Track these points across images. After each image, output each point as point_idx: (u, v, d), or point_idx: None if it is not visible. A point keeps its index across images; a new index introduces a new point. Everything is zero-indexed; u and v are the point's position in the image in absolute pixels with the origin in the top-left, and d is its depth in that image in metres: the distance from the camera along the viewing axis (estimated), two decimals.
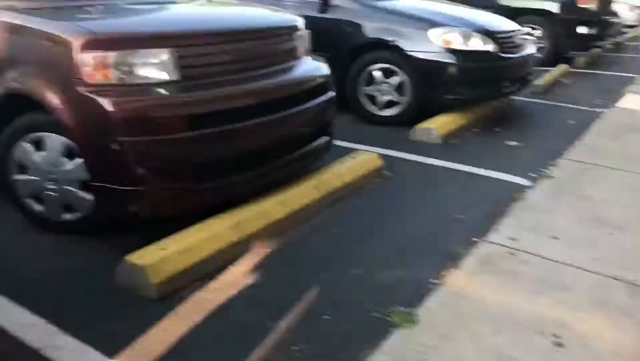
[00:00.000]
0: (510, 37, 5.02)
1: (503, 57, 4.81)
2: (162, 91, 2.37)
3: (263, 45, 2.86)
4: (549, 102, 6.02)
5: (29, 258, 2.52)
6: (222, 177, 2.56)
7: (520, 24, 8.38)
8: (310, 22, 4.80)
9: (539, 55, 8.33)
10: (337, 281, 2.39)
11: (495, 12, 8.40)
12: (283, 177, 2.92)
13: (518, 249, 2.66)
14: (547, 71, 7.43)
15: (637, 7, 15.43)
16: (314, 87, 3.09)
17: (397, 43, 4.66)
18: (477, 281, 2.37)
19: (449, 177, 3.68)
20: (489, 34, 4.77)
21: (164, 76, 2.40)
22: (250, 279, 2.35)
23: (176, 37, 2.51)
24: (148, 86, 2.36)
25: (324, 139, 3.24)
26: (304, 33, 3.32)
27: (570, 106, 5.86)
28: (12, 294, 2.18)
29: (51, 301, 2.18)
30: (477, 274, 2.42)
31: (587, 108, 5.74)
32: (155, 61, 2.37)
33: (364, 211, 3.11)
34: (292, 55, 3.11)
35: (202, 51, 2.56)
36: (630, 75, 7.73)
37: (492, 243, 2.72)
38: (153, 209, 2.44)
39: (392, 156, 3.98)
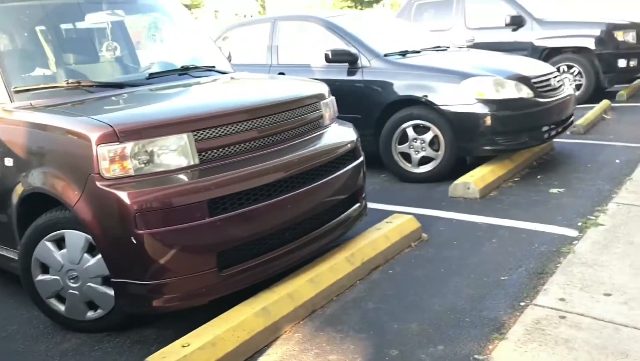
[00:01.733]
0: (546, 80, 4.93)
1: (540, 102, 4.71)
2: (180, 177, 2.37)
3: (286, 118, 2.85)
4: (592, 142, 5.82)
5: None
6: (248, 260, 2.53)
7: (556, 62, 8.43)
8: (339, 85, 5.00)
9: (577, 93, 8.20)
10: None
11: (530, 54, 8.46)
12: (315, 252, 2.87)
13: (569, 312, 2.51)
14: (589, 108, 7.23)
15: None
16: (341, 155, 3.08)
17: (428, 98, 4.66)
18: (527, 352, 2.23)
19: (490, 234, 3.55)
20: (523, 80, 4.70)
21: (181, 162, 2.40)
22: None
23: (193, 121, 2.49)
24: (165, 174, 2.36)
25: (356, 207, 3.20)
26: (329, 100, 3.34)
27: (615, 143, 5.64)
28: None
29: None
30: (526, 345, 2.28)
31: (633, 145, 5.51)
32: (173, 147, 2.39)
33: (400, 280, 3.00)
34: (318, 124, 3.12)
35: (221, 132, 2.53)
36: None
37: (540, 306, 2.58)
38: (177, 301, 2.41)
39: (429, 216, 3.90)
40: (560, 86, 5.12)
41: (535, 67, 5.13)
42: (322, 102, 3.21)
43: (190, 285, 2.40)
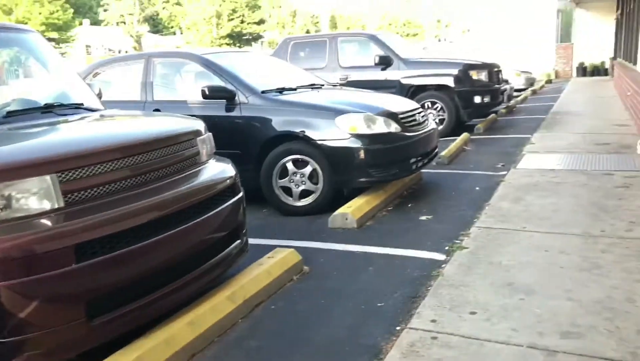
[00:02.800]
0: (412, 115, 5.32)
1: (407, 135, 5.06)
2: (42, 222, 2.21)
3: (160, 156, 2.76)
4: (455, 171, 6.35)
5: None
6: (122, 306, 2.40)
7: (422, 99, 9.14)
8: (217, 121, 4.99)
9: (440, 127, 8.93)
10: None
11: (399, 92, 9.09)
12: (195, 292, 2.80)
13: (440, 332, 2.68)
14: (451, 140, 7.89)
15: (523, 72, 17.04)
16: (220, 191, 3.06)
17: (306, 134, 4.81)
18: None
19: (367, 263, 3.71)
20: (391, 115, 5.03)
21: (44, 205, 2.23)
22: None
23: (56, 161, 2.33)
24: (26, 220, 2.19)
25: (237, 244, 3.18)
26: (205, 136, 3.31)
27: (475, 172, 6.21)
28: None
29: None
30: None
31: (490, 173, 6.10)
32: (34, 190, 2.22)
33: (283, 315, 3.01)
34: (194, 161, 3.07)
35: (89, 172, 2.40)
36: (526, 136, 8.34)
37: (414, 329, 2.72)
38: (41, 358, 2.19)
39: (310, 248, 3.98)
40: (425, 120, 5.55)
41: (401, 104, 5.52)
42: (198, 138, 3.18)
43: (57, 339, 2.21)
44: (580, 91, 15.82)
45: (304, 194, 4.90)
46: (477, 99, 9.07)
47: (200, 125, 3.32)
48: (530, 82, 17.57)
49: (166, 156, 2.84)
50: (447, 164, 6.73)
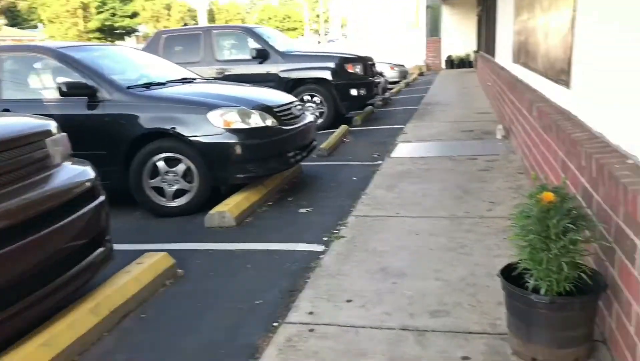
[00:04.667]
0: (288, 109, 5.29)
1: (284, 129, 5.03)
2: None
3: (1, 161, 2.48)
4: (334, 163, 6.46)
5: None
6: None
7: (300, 92, 9.20)
8: (78, 120, 4.62)
9: (320, 120, 9.08)
10: None
11: (277, 86, 9.07)
12: (51, 307, 2.54)
13: (317, 323, 2.67)
14: (331, 132, 8.03)
15: (396, 65, 17.84)
16: (76, 196, 2.80)
17: (177, 130, 4.60)
18: None
19: (246, 260, 3.62)
20: (266, 109, 4.97)
21: None
22: None
23: None
24: None
25: (100, 252, 2.94)
26: (58, 137, 3.01)
27: (353, 163, 6.36)
28: None
29: None
30: None
31: (367, 163, 6.28)
32: None
33: (154, 324, 2.84)
34: (44, 164, 2.78)
35: None
36: (400, 126, 8.73)
37: (291, 323, 2.69)
38: None
39: (186, 250, 3.82)
40: (301, 114, 5.57)
41: (277, 98, 5.48)
42: (48, 139, 2.88)
43: None
44: (448, 82, 16.93)
45: (179, 193, 4.70)
46: (354, 92, 9.31)
47: (50, 125, 3.01)
48: (404, 74, 18.47)
49: (8, 160, 2.53)
50: (327, 156, 6.83)
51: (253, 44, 9.38)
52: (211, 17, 63.04)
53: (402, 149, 6.79)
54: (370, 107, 10.79)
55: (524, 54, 5.99)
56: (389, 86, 14.59)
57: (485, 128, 7.80)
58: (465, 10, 22.71)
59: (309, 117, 5.75)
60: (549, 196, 2.15)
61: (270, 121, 4.89)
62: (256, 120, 4.80)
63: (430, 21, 24.79)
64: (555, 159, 3.57)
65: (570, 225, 2.03)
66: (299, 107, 5.59)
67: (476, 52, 20.37)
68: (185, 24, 59.88)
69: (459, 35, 23.46)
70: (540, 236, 2.08)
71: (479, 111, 9.67)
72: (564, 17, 3.70)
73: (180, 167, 4.64)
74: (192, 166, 4.63)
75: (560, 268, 2.06)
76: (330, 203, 4.82)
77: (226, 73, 9.50)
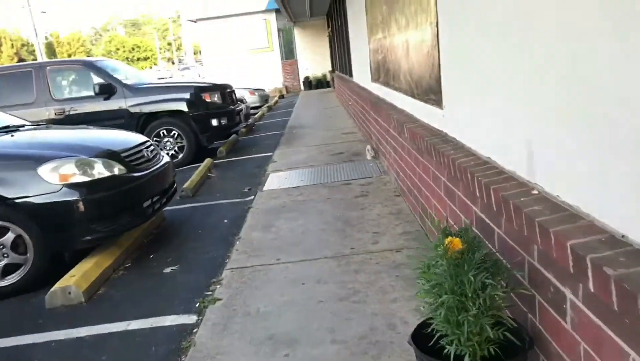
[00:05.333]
0: (139, 152, 4.61)
1: (135, 176, 4.33)
2: None
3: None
4: (201, 203, 5.83)
5: None
6: None
7: (155, 128, 8.42)
8: None
9: (180, 156, 8.38)
10: None
11: (128, 122, 8.21)
12: None
13: None
14: (195, 168, 7.39)
15: (256, 89, 17.58)
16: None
17: None
18: None
19: (99, 350, 2.91)
20: (112, 156, 4.26)
21: None
22: None
23: None
24: None
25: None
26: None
27: (223, 201, 5.80)
28: None
29: None
30: None
31: (238, 200, 5.76)
32: None
33: None
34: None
35: None
36: (268, 154, 8.33)
37: None
38: None
39: (20, 346, 3.00)
40: (156, 155, 4.90)
41: (125, 140, 4.76)
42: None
43: None
44: (310, 103, 17.00)
45: (10, 269, 3.80)
46: (215, 122, 8.74)
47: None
48: (265, 98, 18.24)
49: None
50: (192, 197, 6.18)
51: (96, 79, 8.44)
52: (51, 51, 58.35)
53: (274, 180, 6.36)
54: (234, 136, 10.28)
55: (384, 72, 5.91)
56: (252, 112, 14.20)
57: (354, 149, 7.68)
58: (316, 32, 23.24)
59: (165, 158, 5.08)
60: (456, 244, 1.82)
61: (117, 169, 4.18)
62: (100, 170, 4.06)
63: (284, 44, 25.00)
64: (437, 184, 3.36)
65: (488, 280, 1.71)
66: (152, 147, 4.90)
67: (332, 71, 20.85)
68: (22, 60, 54.65)
69: (314, 56, 23.93)
70: (455, 295, 1.74)
71: (345, 131, 9.62)
72: (425, 33, 3.54)
73: (9, 237, 3.77)
74: (24, 234, 3.77)
75: (482, 330, 1.73)
76: (201, 255, 4.21)
77: (68, 113, 8.44)
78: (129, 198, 4.22)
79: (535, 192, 1.95)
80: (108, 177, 4.08)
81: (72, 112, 8.46)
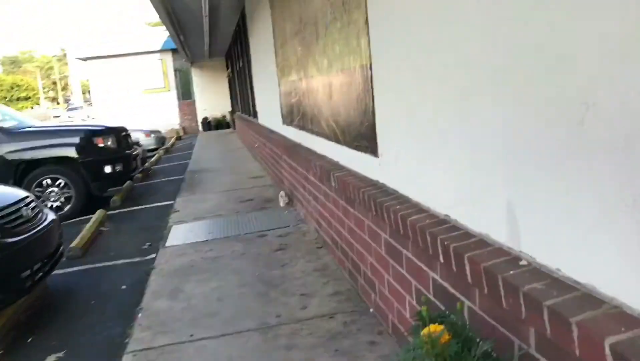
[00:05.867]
0: (15, 211, 3.83)
1: (10, 242, 3.55)
2: None
3: None
4: (93, 265, 5.03)
5: None
6: None
7: (38, 176, 7.42)
8: None
9: (67, 207, 7.44)
10: None
11: (4, 171, 7.15)
12: None
13: None
14: (85, 221, 6.52)
15: (152, 131, 16.65)
16: None
17: None
18: None
19: None
20: None
21: None
22: None
23: None
24: None
25: None
26: None
27: (119, 262, 5.04)
28: None
29: None
30: None
31: (137, 259, 5.04)
32: None
33: None
34: None
35: None
36: (169, 202, 7.62)
37: None
38: None
39: None
40: (38, 213, 4.12)
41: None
42: None
43: None
44: (210, 145, 16.35)
45: None
46: (108, 169, 7.90)
47: None
48: (162, 141, 17.31)
49: None
50: (81, 257, 5.33)
51: None
52: None
53: (178, 234, 5.71)
54: (129, 182, 9.40)
55: (299, 116, 5.59)
56: (148, 154, 13.30)
57: (264, 195, 7.23)
58: (215, 72, 22.78)
59: (50, 215, 4.32)
60: (444, 337, 1.44)
61: None
62: None
63: (181, 84, 24.22)
64: (376, 241, 3.00)
65: None
66: (33, 204, 4.13)
67: (232, 112, 20.40)
68: None
69: (213, 96, 23.38)
70: None
71: (252, 175, 9.15)
72: (355, 76, 3.25)
73: None
74: None
75: None
76: (93, 335, 3.49)
77: None
78: (3, 269, 3.43)
79: (524, 262, 1.63)
80: None
81: None
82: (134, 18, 24.80)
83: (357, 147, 3.38)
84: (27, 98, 69.54)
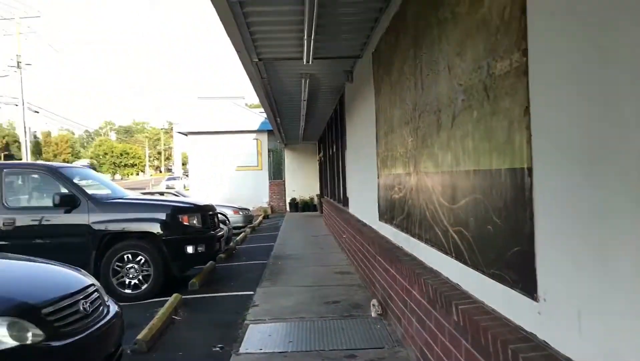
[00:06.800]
0: (71, 305, 3.28)
1: (54, 347, 2.95)
2: None
3: None
4: None
5: None
6: None
7: (121, 250, 7.11)
8: None
9: (144, 286, 7.02)
10: None
11: (89, 241, 6.93)
12: None
13: None
14: (159, 304, 6.00)
15: (241, 209, 16.52)
16: None
17: None
18: None
19: None
20: (28, 312, 2.93)
21: None
22: None
23: None
24: None
25: None
26: None
27: None
28: None
29: None
30: None
31: None
32: None
33: None
34: None
35: None
36: (249, 292, 6.98)
37: None
38: None
39: None
40: (99, 306, 3.58)
41: (56, 284, 3.46)
42: None
43: None
44: (296, 228, 15.89)
45: None
46: (190, 249, 7.48)
47: None
48: (249, 218, 17.15)
49: None
50: (147, 352, 4.73)
51: (60, 188, 7.28)
52: (37, 150, 58.03)
53: (255, 336, 4.97)
54: (211, 262, 8.95)
55: (402, 215, 4.83)
56: (234, 232, 13.01)
57: (352, 298, 6.39)
58: (306, 154, 22.90)
59: (113, 309, 3.76)
60: None
61: (31, 335, 2.84)
62: (3, 335, 2.73)
63: (273, 164, 24.54)
64: None
65: None
66: (95, 295, 3.60)
67: (320, 196, 20.07)
68: (10, 156, 53.87)
69: (302, 178, 23.37)
70: None
71: (338, 269, 8.37)
72: (501, 179, 2.48)
73: None
74: None
75: None
76: None
77: (17, 224, 7.15)
78: None
79: None
80: (13, 348, 2.72)
81: (23, 224, 7.19)
82: (236, 99, 25.92)
83: (496, 277, 2.53)
84: (133, 165, 74.73)
